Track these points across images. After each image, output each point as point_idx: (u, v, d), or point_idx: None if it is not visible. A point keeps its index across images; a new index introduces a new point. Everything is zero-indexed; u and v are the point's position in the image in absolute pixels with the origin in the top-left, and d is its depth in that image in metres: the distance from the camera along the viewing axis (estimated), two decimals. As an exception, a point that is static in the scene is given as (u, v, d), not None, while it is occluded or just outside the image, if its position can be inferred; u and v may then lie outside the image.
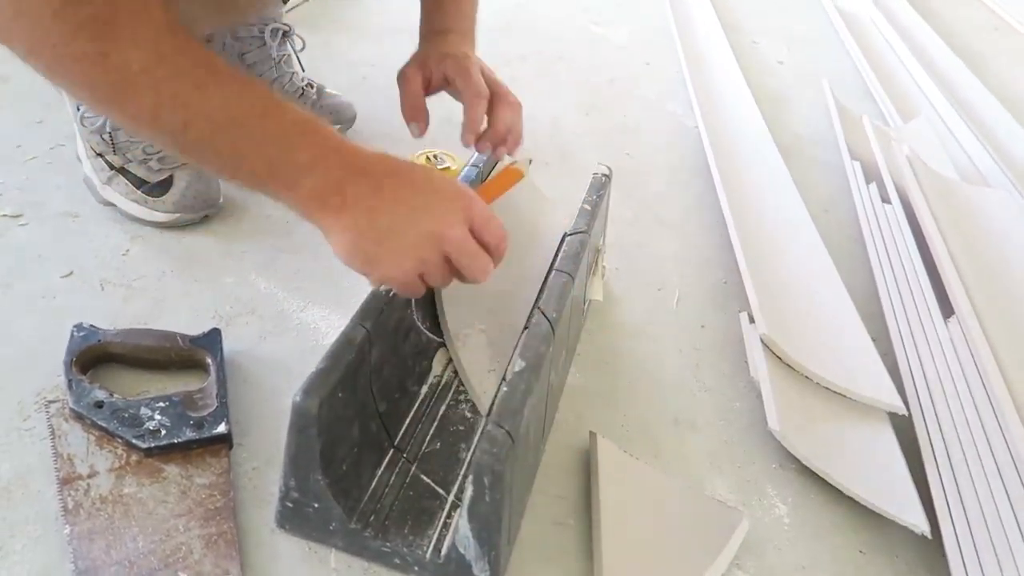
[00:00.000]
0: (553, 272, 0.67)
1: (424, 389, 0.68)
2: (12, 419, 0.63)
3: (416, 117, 0.72)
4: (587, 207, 0.76)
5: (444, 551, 0.54)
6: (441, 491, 0.60)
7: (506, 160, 0.71)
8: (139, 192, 0.84)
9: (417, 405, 0.66)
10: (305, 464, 0.53)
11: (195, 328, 0.70)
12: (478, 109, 0.69)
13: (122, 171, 0.84)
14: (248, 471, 0.62)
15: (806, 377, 0.76)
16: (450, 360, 0.70)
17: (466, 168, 0.76)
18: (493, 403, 0.68)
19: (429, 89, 0.73)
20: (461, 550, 0.53)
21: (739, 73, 1.42)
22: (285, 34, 1.01)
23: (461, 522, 0.52)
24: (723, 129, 1.22)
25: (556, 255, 0.70)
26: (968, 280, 0.83)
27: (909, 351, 0.79)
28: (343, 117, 1.06)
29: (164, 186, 0.84)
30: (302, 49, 1.06)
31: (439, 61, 0.72)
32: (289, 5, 1.38)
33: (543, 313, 0.61)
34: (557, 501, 0.64)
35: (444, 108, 0.76)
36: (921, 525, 0.64)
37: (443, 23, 0.77)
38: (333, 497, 0.54)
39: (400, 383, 0.65)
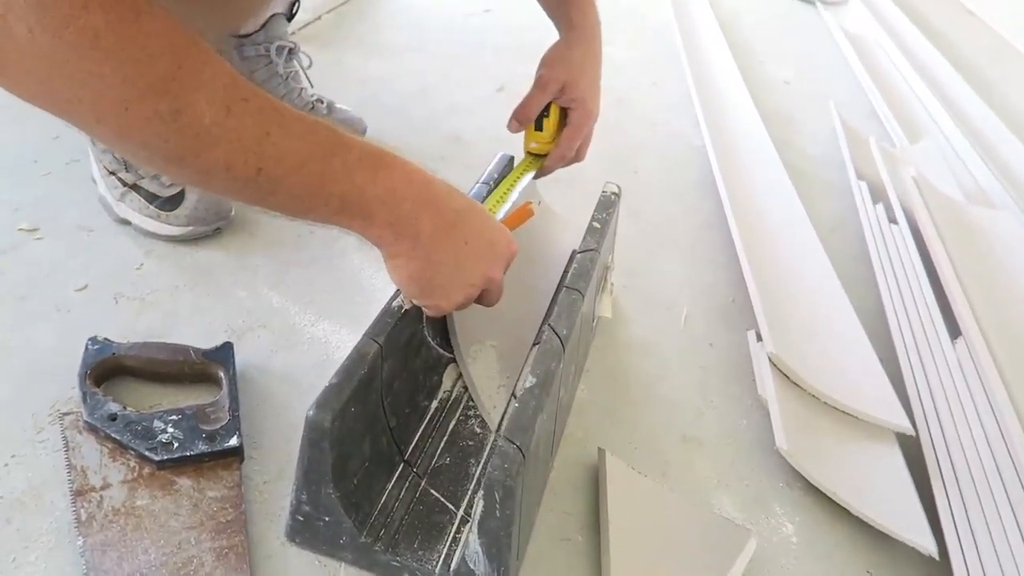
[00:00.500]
0: (563, 289, 0.67)
1: (434, 404, 0.68)
2: (26, 431, 0.63)
3: (521, 122, 0.82)
4: (596, 224, 0.77)
5: (453, 566, 0.55)
6: (451, 506, 0.61)
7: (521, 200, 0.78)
8: (152, 207, 0.85)
9: (427, 420, 0.67)
10: (317, 478, 0.53)
11: (207, 342, 0.71)
12: (554, 168, 0.84)
13: (134, 187, 0.85)
14: (259, 484, 0.62)
15: (813, 396, 0.76)
16: (460, 375, 0.71)
17: (476, 185, 0.77)
18: (503, 418, 0.68)
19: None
20: (471, 565, 0.53)
21: (746, 93, 1.44)
22: (291, 51, 1.03)
23: (471, 537, 0.52)
24: (730, 148, 1.23)
25: (566, 272, 0.70)
26: (975, 301, 0.83)
27: (916, 371, 0.79)
28: (353, 132, 1.07)
29: (176, 200, 0.85)
30: (309, 66, 1.07)
31: (571, 100, 0.81)
32: (300, 23, 1.41)
33: (553, 330, 0.62)
34: (565, 517, 0.65)
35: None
36: (929, 546, 0.64)
37: (575, 14, 0.83)
38: (344, 511, 0.54)
39: (410, 398, 0.66)
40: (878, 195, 1.11)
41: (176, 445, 0.61)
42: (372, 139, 1.15)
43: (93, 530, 0.56)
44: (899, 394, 0.78)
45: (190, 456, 0.61)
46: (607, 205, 0.81)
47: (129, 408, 0.64)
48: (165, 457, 0.60)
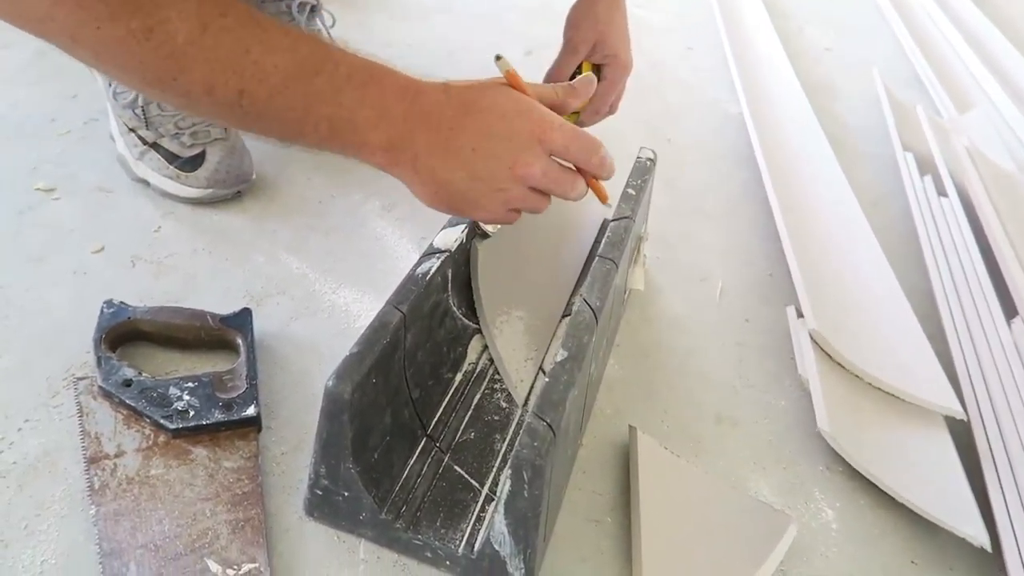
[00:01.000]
0: (596, 259, 0.64)
1: (458, 376, 0.65)
2: (41, 395, 0.62)
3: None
4: (631, 191, 0.73)
5: (478, 546, 0.52)
6: (475, 483, 0.58)
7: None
8: (172, 167, 0.82)
9: (451, 393, 0.64)
10: (336, 451, 0.51)
11: (225, 307, 0.68)
12: (592, 120, 0.80)
13: (155, 146, 0.83)
14: (276, 456, 0.60)
15: (857, 376, 0.72)
16: (485, 347, 0.68)
17: None
18: (530, 393, 0.65)
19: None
20: (496, 546, 0.51)
21: (785, 60, 1.37)
22: (313, 8, 0.99)
23: (497, 517, 0.50)
24: (769, 117, 1.17)
25: (598, 241, 0.67)
26: (1032, 279, 0.79)
27: (968, 352, 0.75)
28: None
29: (197, 161, 0.82)
30: (332, 25, 1.03)
31: (605, 56, 0.78)
32: (325, -17, 1.36)
33: (586, 301, 0.58)
34: (594, 497, 0.62)
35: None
36: (980, 537, 0.60)
37: None
38: (364, 486, 0.52)
39: (434, 370, 0.63)
40: (925, 167, 1.06)
41: (192, 413, 0.59)
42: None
43: (106, 499, 0.54)
44: (949, 376, 0.74)
45: (206, 425, 0.59)
46: (642, 172, 0.76)
47: (144, 374, 0.62)
48: (180, 425, 0.58)
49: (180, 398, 0.60)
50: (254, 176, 0.86)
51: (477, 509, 0.56)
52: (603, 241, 0.66)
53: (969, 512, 0.62)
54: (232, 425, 0.59)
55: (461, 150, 0.50)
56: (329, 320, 0.73)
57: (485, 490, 0.58)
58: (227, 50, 0.44)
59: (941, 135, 1.10)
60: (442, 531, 0.54)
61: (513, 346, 0.67)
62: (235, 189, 0.85)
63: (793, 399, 0.74)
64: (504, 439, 0.62)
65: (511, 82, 0.54)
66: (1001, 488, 0.63)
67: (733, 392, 0.74)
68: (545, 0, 1.47)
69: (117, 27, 0.41)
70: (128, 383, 0.61)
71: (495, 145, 0.50)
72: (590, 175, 0.56)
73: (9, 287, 0.71)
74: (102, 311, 0.65)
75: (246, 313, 0.68)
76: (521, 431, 0.48)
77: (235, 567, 0.52)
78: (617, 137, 1.12)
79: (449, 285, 0.64)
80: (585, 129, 0.80)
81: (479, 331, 0.68)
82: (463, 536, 0.54)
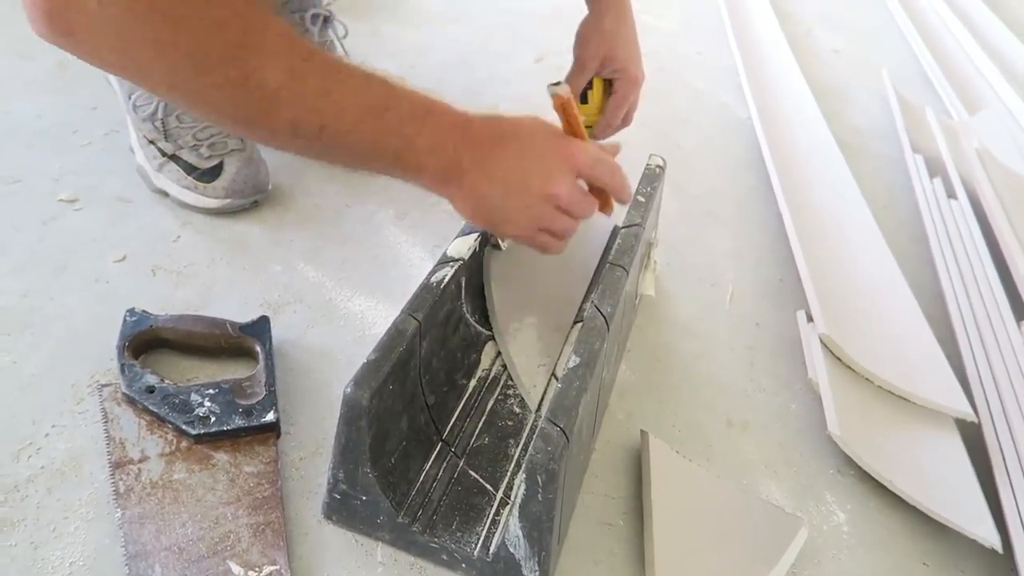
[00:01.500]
0: (607, 266, 0.65)
1: (472, 383, 0.67)
2: (67, 401, 0.63)
3: None
4: (641, 199, 0.74)
5: (493, 549, 0.53)
6: (489, 487, 0.59)
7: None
8: (190, 178, 0.84)
9: (465, 399, 0.65)
10: (354, 456, 0.52)
11: (244, 315, 0.70)
12: (604, 133, 0.83)
13: (173, 158, 0.84)
14: (295, 460, 0.62)
15: (867, 379, 0.73)
16: (499, 353, 0.69)
17: None
18: (543, 399, 0.67)
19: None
20: (511, 549, 0.52)
21: (794, 63, 1.38)
22: (326, 20, 1.00)
23: (511, 520, 0.51)
24: (778, 121, 1.18)
25: (609, 248, 0.68)
26: (1043, 281, 0.79)
27: (978, 355, 0.75)
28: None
29: (215, 172, 0.84)
30: (345, 36, 1.05)
31: (614, 71, 0.81)
32: (336, -8, 1.38)
33: (597, 308, 0.59)
34: (606, 501, 0.63)
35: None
36: (991, 538, 0.61)
37: None
38: (381, 490, 0.53)
39: (448, 376, 0.64)
40: (934, 169, 1.06)
41: (213, 419, 0.60)
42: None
43: (131, 502, 0.56)
44: (959, 378, 0.74)
45: (227, 431, 0.60)
46: (651, 179, 0.77)
47: (166, 381, 0.63)
48: (202, 431, 0.60)
49: (201, 404, 0.61)
50: (270, 187, 0.88)
51: (492, 513, 0.57)
52: (614, 248, 0.67)
53: (980, 514, 0.63)
54: (252, 431, 0.61)
55: (499, 170, 0.56)
56: (345, 328, 0.75)
57: (500, 494, 0.59)
58: (312, 92, 0.48)
59: (951, 137, 1.11)
60: (458, 534, 0.55)
61: (526, 352, 0.68)
62: (252, 199, 0.86)
63: (804, 403, 0.75)
64: (518, 444, 0.63)
65: (565, 108, 0.59)
66: (1012, 489, 0.63)
67: (744, 396, 0.75)
68: (556, 7, 1.48)
69: (216, 76, 0.45)
70: (151, 389, 0.62)
71: (529, 166, 0.56)
72: (608, 194, 0.62)
73: (34, 295, 0.73)
74: (125, 319, 0.67)
75: (264, 321, 0.69)
76: (535, 436, 0.49)
77: (256, 569, 0.53)
78: (626, 143, 1.13)
79: (463, 293, 0.65)
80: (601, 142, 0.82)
81: (492, 338, 0.69)
82: (478, 539, 0.55)
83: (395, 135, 0.52)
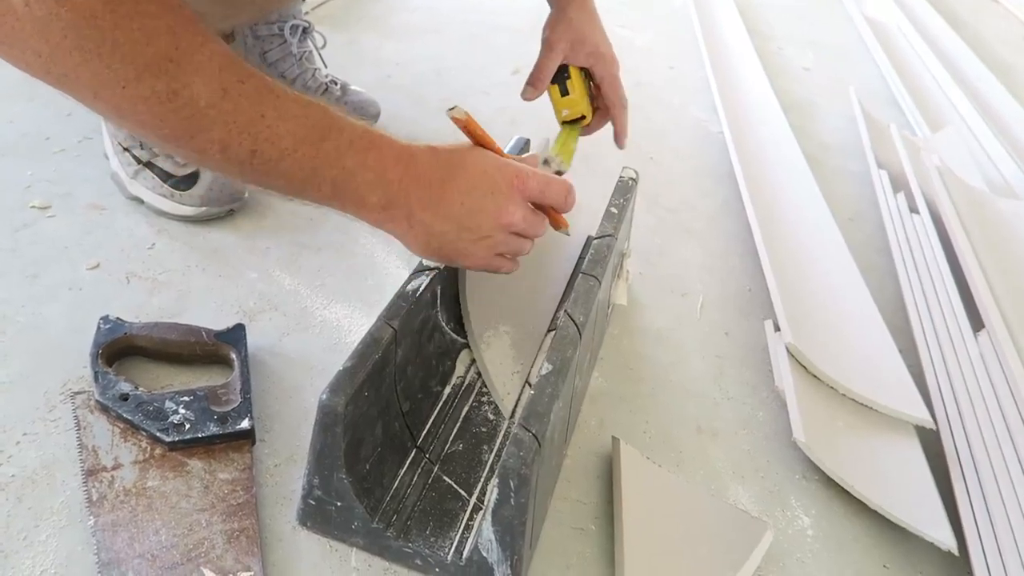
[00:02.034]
0: (580, 275, 0.66)
1: (447, 389, 0.68)
2: (38, 409, 0.63)
3: (536, 87, 0.79)
4: (613, 210, 0.75)
5: (466, 553, 0.54)
6: (463, 492, 0.60)
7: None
8: (166, 186, 0.84)
9: (440, 405, 0.66)
10: (329, 462, 0.53)
11: (219, 323, 0.70)
12: (625, 119, 0.82)
13: (148, 165, 0.85)
14: (270, 467, 0.62)
15: (831, 388, 0.75)
16: (473, 361, 0.70)
17: None
18: (516, 405, 0.68)
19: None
20: (484, 553, 0.52)
21: (765, 80, 1.41)
22: (305, 30, 1.01)
23: (484, 525, 0.52)
24: (748, 135, 1.21)
25: (582, 258, 0.69)
26: (998, 293, 0.82)
27: (937, 364, 0.78)
28: (367, 114, 1.07)
29: (190, 180, 0.84)
30: (323, 46, 1.06)
31: (588, 55, 0.79)
32: (313, 3, 1.39)
33: (570, 316, 0.61)
34: (578, 506, 0.64)
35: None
36: (948, 541, 0.63)
37: None
38: (356, 496, 0.54)
39: (423, 383, 0.65)
40: (898, 184, 1.09)
41: (187, 426, 0.61)
42: (386, 122, 1.15)
43: (104, 510, 0.56)
44: (919, 387, 0.77)
45: (201, 438, 0.60)
46: (624, 190, 0.79)
47: (141, 388, 0.63)
48: (176, 438, 0.60)
49: (176, 412, 0.61)
50: (246, 194, 0.88)
51: (465, 518, 0.58)
52: (586, 258, 0.68)
53: (938, 518, 0.65)
54: (227, 438, 0.61)
55: (451, 205, 0.54)
56: (321, 335, 0.75)
57: (473, 499, 0.60)
58: (244, 114, 0.47)
59: (913, 153, 1.14)
60: (432, 539, 0.56)
61: (500, 360, 0.70)
62: (228, 207, 0.86)
63: (770, 410, 0.77)
64: (491, 450, 0.64)
65: (468, 126, 0.57)
66: (968, 494, 0.65)
67: (713, 403, 0.77)
68: (533, 21, 1.49)
69: (142, 88, 0.43)
70: (125, 397, 0.62)
71: (480, 201, 0.55)
72: (558, 211, 0.61)
73: (6, 303, 0.72)
74: (98, 327, 0.67)
75: (240, 329, 0.70)
76: (507, 442, 0.50)
77: (230, 575, 0.53)
78: (600, 156, 1.15)
79: (438, 301, 0.66)
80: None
81: (467, 346, 0.70)
82: (452, 544, 0.56)
83: (334, 166, 0.51)
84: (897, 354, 0.80)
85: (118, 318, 0.68)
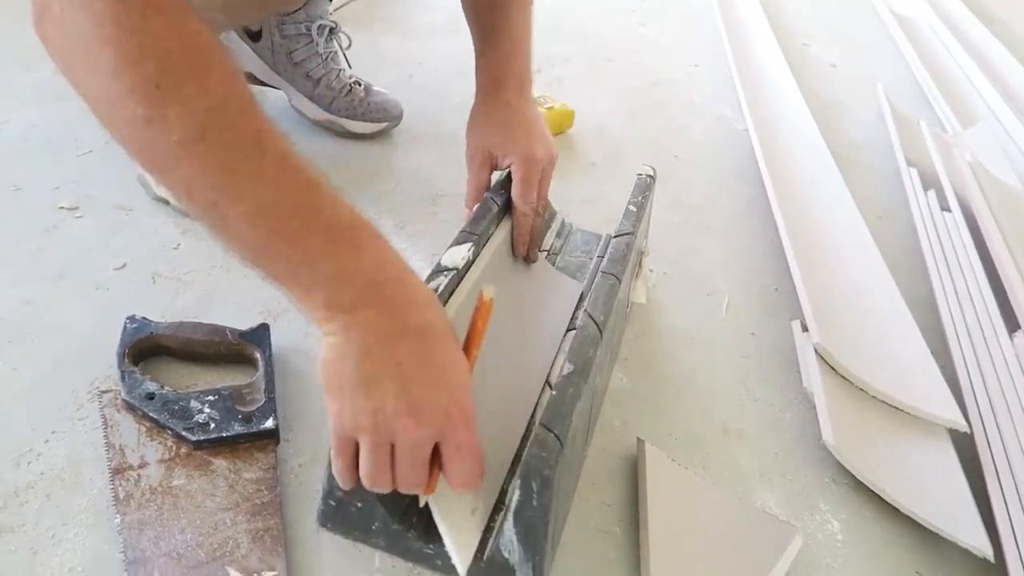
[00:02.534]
0: (599, 274, 0.65)
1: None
2: (66, 408, 0.64)
3: (471, 207, 0.73)
4: (632, 208, 0.74)
5: (487, 554, 0.54)
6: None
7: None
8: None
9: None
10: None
11: (243, 322, 0.71)
12: (525, 227, 0.72)
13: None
14: (294, 467, 0.62)
15: (861, 390, 0.73)
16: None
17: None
18: (536, 406, 0.67)
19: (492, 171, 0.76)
20: (505, 554, 0.52)
21: (790, 76, 1.39)
22: (332, 31, 1.02)
23: (506, 526, 0.51)
24: (774, 133, 1.19)
25: (602, 257, 0.68)
26: (1034, 293, 0.80)
27: (971, 366, 0.76)
28: (391, 115, 1.07)
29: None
30: (349, 46, 1.06)
31: (507, 154, 0.73)
32: (336, 4, 1.39)
33: (591, 316, 0.60)
34: (602, 508, 0.63)
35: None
36: (984, 548, 0.61)
37: (500, 69, 0.77)
38: (377, 497, 0.54)
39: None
40: (929, 182, 1.07)
41: (213, 426, 0.61)
42: (409, 122, 1.14)
43: (131, 508, 0.56)
44: (952, 388, 0.75)
45: (226, 437, 0.61)
46: (643, 188, 0.78)
47: (166, 387, 0.64)
48: (202, 438, 0.60)
49: (201, 411, 0.62)
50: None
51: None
52: (605, 257, 0.68)
53: (972, 523, 0.63)
54: (251, 437, 0.61)
55: (392, 353, 0.46)
56: (343, 335, 0.75)
57: (495, 500, 0.59)
58: (213, 163, 0.43)
59: (944, 150, 1.12)
60: (454, 540, 0.56)
61: (458, 509, 0.54)
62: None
63: (798, 412, 0.75)
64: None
65: (480, 310, 0.51)
66: (1004, 499, 0.64)
67: (739, 405, 0.75)
68: (554, 19, 1.50)
69: (124, 109, 0.42)
70: (151, 396, 0.63)
71: (418, 374, 0.46)
72: (448, 477, 0.48)
73: (34, 303, 0.73)
74: (125, 326, 0.68)
75: (264, 328, 0.70)
76: (529, 442, 0.50)
77: (255, 575, 0.53)
78: (624, 154, 1.14)
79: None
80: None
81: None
82: (474, 545, 0.55)
83: (295, 246, 0.45)
84: (929, 355, 0.79)
85: (144, 318, 0.69)
